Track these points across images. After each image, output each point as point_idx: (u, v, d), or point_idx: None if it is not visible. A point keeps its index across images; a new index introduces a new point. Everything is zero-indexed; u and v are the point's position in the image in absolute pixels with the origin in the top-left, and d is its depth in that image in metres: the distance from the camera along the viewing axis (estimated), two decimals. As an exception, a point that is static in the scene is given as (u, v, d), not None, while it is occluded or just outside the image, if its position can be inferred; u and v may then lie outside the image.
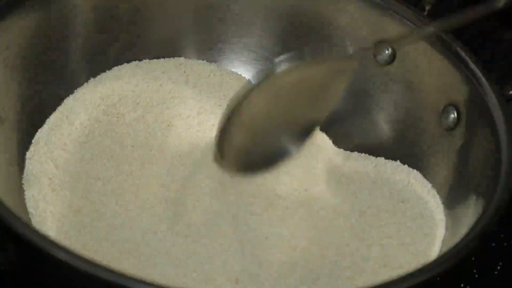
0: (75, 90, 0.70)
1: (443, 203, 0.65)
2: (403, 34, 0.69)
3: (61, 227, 0.61)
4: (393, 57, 0.71)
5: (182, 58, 0.74)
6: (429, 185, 0.67)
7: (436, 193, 0.66)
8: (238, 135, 0.63)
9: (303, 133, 0.67)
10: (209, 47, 0.75)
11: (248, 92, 0.61)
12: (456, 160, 0.66)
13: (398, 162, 0.69)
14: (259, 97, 0.62)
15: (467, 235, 0.56)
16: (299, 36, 0.74)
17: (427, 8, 0.73)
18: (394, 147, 0.70)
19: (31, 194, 0.62)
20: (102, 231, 0.61)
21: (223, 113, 0.63)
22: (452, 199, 0.65)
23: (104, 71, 0.72)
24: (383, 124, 0.72)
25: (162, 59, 0.74)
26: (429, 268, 0.54)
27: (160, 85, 0.71)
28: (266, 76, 0.62)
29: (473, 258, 0.67)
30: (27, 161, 0.64)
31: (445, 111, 0.67)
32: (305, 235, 0.63)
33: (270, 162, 0.66)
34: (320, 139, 0.71)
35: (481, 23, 0.81)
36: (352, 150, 0.71)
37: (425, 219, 0.64)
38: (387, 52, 0.71)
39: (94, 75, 0.71)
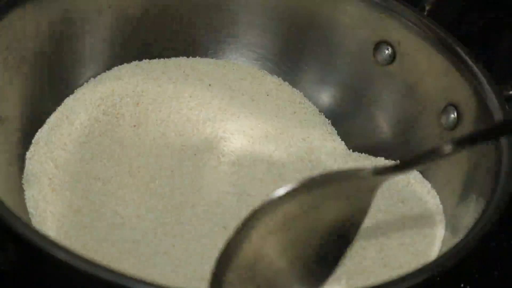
0: (75, 90, 0.70)
1: (442, 203, 0.65)
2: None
3: (61, 227, 0.61)
4: (393, 57, 0.71)
5: (182, 58, 0.74)
6: (429, 185, 0.67)
7: (436, 193, 0.66)
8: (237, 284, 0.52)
9: (322, 274, 0.57)
10: (209, 48, 0.75)
11: (246, 230, 0.51)
12: (456, 160, 0.66)
13: (398, 162, 0.69)
14: (260, 235, 0.52)
15: (467, 235, 0.56)
16: (299, 36, 0.74)
17: (427, 8, 0.73)
18: (394, 147, 0.70)
19: (31, 194, 0.62)
20: (102, 231, 0.61)
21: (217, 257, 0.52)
22: (452, 199, 0.64)
23: (104, 71, 0.72)
24: (383, 124, 0.72)
25: (162, 59, 0.74)
26: (429, 268, 0.54)
27: (160, 85, 0.71)
28: (263, 208, 0.51)
29: (473, 258, 0.67)
30: (27, 161, 0.64)
31: (445, 111, 0.67)
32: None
33: None
34: (321, 138, 0.71)
35: (481, 23, 0.81)
36: (352, 150, 0.71)
37: (424, 219, 0.64)
38: (387, 52, 0.71)
39: (94, 75, 0.71)
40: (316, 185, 0.53)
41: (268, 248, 0.53)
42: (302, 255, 0.55)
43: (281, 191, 0.51)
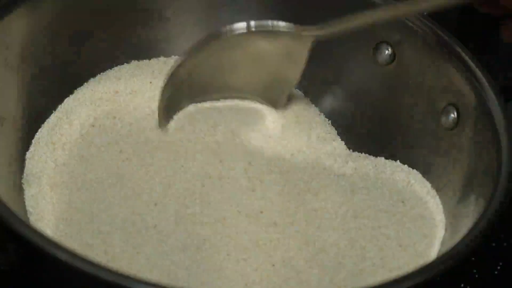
0: (75, 90, 0.70)
1: (442, 203, 0.65)
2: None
3: (61, 227, 0.61)
4: (393, 57, 0.71)
5: (182, 58, 0.75)
6: (429, 185, 0.67)
7: (436, 193, 0.66)
8: (180, 100, 0.65)
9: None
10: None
11: (191, 55, 0.63)
12: (456, 160, 0.66)
13: (398, 162, 0.69)
14: (203, 62, 0.63)
15: (467, 235, 0.56)
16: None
17: (427, 8, 0.73)
18: (394, 147, 0.70)
19: (30, 194, 0.62)
20: (102, 231, 0.61)
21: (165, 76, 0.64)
22: (452, 199, 0.64)
23: (104, 71, 0.72)
24: (383, 124, 0.72)
25: (162, 59, 0.74)
26: (430, 268, 0.54)
27: (160, 85, 0.71)
28: (209, 40, 0.64)
29: (473, 258, 0.67)
30: (27, 161, 0.64)
31: (445, 111, 0.67)
32: (303, 235, 0.63)
33: None
34: (322, 138, 0.71)
35: (480, 23, 0.81)
36: (352, 150, 0.71)
37: (424, 220, 0.64)
38: (387, 52, 0.71)
39: (94, 75, 0.71)
40: (258, 28, 0.65)
41: (209, 74, 0.66)
42: (235, 84, 0.68)
43: (224, 29, 0.63)
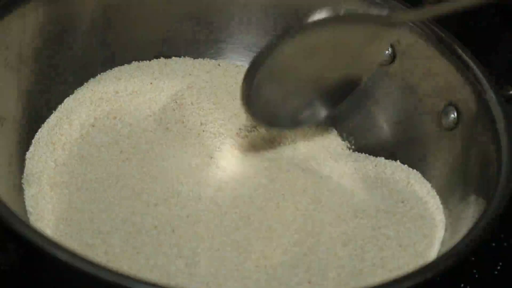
0: (75, 90, 0.70)
1: (442, 203, 0.65)
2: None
3: (61, 227, 0.61)
4: (393, 57, 0.71)
5: (182, 59, 0.74)
6: (429, 185, 0.67)
7: (436, 193, 0.66)
8: (265, 87, 0.61)
9: (335, 98, 0.67)
10: (209, 47, 0.75)
11: (279, 44, 0.60)
12: (456, 160, 0.66)
13: (398, 162, 0.69)
14: (290, 50, 0.60)
15: (467, 235, 0.56)
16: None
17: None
18: (394, 147, 0.70)
19: (30, 194, 0.62)
20: (102, 231, 0.61)
21: (251, 60, 0.60)
22: (452, 199, 0.65)
23: (104, 71, 0.72)
24: (383, 124, 0.72)
25: (162, 59, 0.74)
26: (430, 268, 0.54)
27: (160, 85, 0.71)
28: (298, 30, 0.60)
29: (473, 258, 0.67)
30: (27, 161, 0.64)
31: (445, 111, 0.67)
32: (303, 235, 0.62)
33: (297, 121, 0.67)
34: (322, 138, 0.71)
35: (481, 23, 0.81)
36: (352, 150, 0.71)
37: (424, 220, 0.64)
38: (387, 52, 0.71)
39: (94, 75, 0.71)
40: (342, 19, 0.61)
41: (295, 64, 0.62)
42: (323, 78, 0.64)
43: (312, 19, 0.60)
